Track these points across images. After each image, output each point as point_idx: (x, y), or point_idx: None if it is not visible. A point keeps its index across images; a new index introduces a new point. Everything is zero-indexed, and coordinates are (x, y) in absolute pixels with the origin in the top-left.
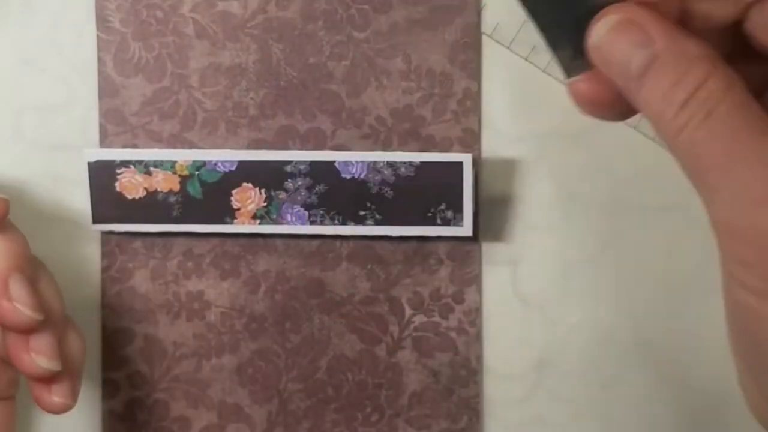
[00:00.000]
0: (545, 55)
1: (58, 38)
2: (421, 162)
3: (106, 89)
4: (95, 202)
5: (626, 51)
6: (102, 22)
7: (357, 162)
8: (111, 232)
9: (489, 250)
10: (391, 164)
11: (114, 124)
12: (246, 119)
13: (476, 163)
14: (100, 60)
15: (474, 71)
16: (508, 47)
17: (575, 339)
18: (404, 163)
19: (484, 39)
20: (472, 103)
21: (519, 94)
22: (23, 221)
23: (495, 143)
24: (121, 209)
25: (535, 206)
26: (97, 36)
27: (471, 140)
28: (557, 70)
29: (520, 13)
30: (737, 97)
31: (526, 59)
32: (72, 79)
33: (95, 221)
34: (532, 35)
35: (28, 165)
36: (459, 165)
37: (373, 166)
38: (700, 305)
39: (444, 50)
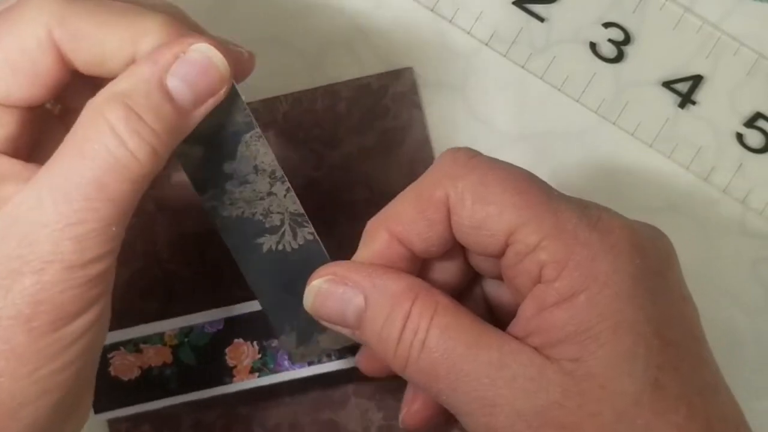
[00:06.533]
0: (542, 62)
1: None
2: None
3: None
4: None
5: (339, 308)
6: None
7: None
8: (117, 421)
9: None
10: None
11: None
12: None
13: None
14: None
15: None
16: (504, 55)
17: None
18: None
19: (482, 46)
20: None
21: (518, 99)
22: None
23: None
24: (119, 393)
25: None
26: None
27: None
28: (556, 78)
29: (517, 22)
30: (443, 320)
31: (523, 67)
32: None
33: (97, 411)
34: (529, 42)
35: None
36: None
37: None
38: (700, 305)
39: (401, 170)
